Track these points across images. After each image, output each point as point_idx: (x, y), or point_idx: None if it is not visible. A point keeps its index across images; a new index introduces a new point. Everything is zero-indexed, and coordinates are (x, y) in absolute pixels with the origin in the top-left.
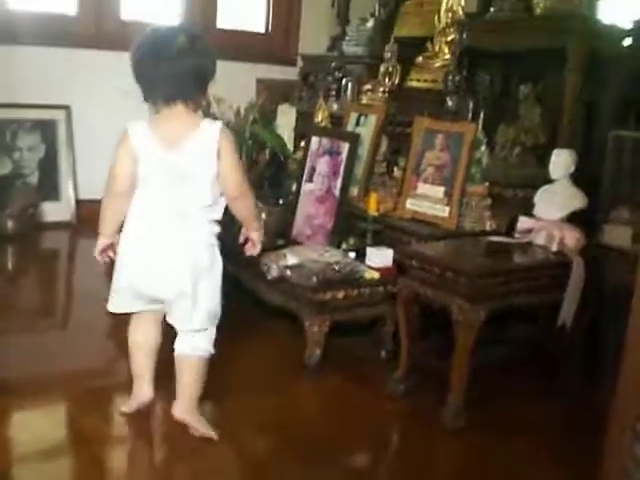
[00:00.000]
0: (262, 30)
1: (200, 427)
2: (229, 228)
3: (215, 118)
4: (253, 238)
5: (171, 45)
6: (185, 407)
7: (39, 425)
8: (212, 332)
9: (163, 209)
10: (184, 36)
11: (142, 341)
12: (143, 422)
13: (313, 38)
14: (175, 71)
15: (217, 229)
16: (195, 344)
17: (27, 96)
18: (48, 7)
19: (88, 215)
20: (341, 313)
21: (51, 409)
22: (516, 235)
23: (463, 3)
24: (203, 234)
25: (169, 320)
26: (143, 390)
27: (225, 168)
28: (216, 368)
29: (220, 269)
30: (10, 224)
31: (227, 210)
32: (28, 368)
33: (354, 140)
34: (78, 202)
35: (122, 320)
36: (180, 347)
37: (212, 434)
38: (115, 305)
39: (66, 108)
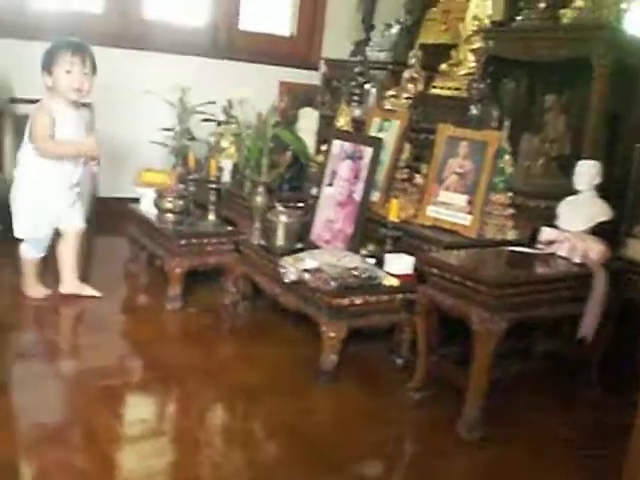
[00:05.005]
0: (286, 33)
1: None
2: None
3: (235, 119)
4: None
5: None
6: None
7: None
8: None
9: None
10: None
11: None
12: None
13: (337, 43)
14: None
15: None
16: None
17: None
18: (74, 5)
19: (107, 213)
20: (358, 319)
21: (65, 406)
22: (538, 246)
23: (489, 11)
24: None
25: None
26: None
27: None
28: (230, 370)
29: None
30: None
31: None
32: (38, 365)
33: (377, 145)
34: (97, 200)
35: (136, 318)
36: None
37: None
38: None
39: (88, 105)
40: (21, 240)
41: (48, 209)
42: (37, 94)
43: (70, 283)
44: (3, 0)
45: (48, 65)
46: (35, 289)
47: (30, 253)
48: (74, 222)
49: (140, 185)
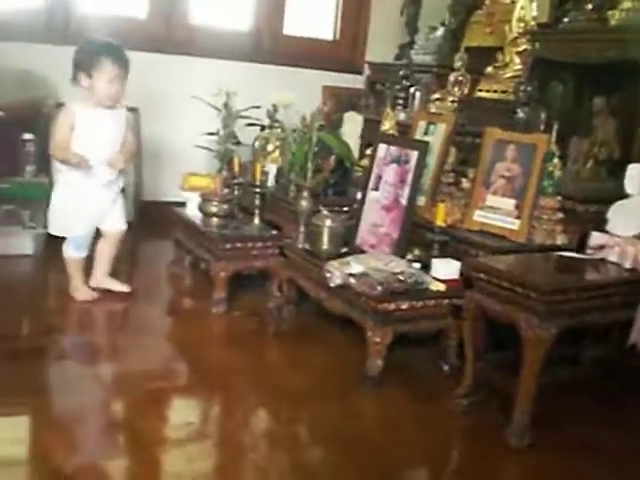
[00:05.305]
0: (330, 37)
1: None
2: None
3: (280, 124)
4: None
5: None
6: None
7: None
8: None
9: None
10: None
11: None
12: None
13: (381, 46)
14: None
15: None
16: None
17: None
18: (120, 11)
19: (151, 216)
20: (404, 324)
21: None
22: (588, 251)
23: (535, 13)
24: None
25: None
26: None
27: None
28: (275, 374)
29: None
30: None
31: None
32: (84, 367)
33: (423, 149)
34: (141, 203)
35: (181, 321)
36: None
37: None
38: None
39: (134, 110)
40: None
41: (82, 208)
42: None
43: (100, 277)
44: (50, 7)
45: (87, 67)
46: (82, 291)
47: (70, 252)
48: (116, 223)
49: (185, 189)
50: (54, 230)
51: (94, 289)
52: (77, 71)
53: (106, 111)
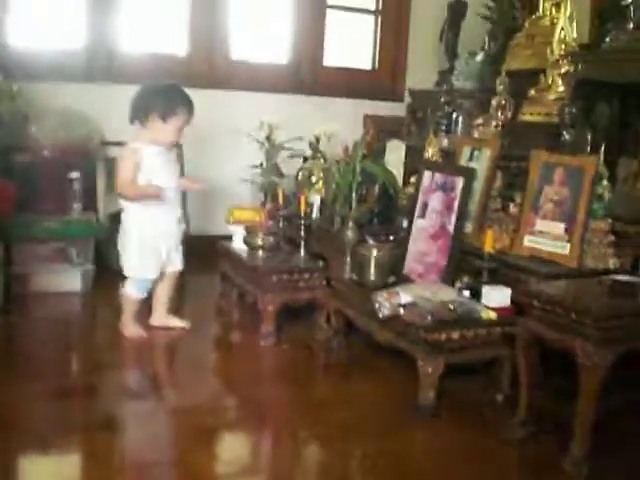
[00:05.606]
0: (369, 67)
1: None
2: None
3: (322, 154)
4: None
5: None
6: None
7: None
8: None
9: None
10: None
11: None
12: None
13: (421, 73)
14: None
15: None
16: None
17: None
18: (160, 48)
19: (197, 250)
20: (456, 354)
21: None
22: None
23: (575, 35)
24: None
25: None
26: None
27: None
28: (326, 407)
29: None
30: None
31: None
32: (134, 403)
33: (469, 175)
34: (188, 238)
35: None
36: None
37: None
38: None
39: (178, 147)
40: (123, 278)
41: (156, 247)
42: (127, 137)
43: (160, 315)
44: (91, 46)
45: (163, 111)
46: (132, 329)
47: (133, 292)
48: (176, 264)
49: (230, 222)
50: (129, 271)
51: (154, 327)
52: (147, 112)
53: (161, 148)
